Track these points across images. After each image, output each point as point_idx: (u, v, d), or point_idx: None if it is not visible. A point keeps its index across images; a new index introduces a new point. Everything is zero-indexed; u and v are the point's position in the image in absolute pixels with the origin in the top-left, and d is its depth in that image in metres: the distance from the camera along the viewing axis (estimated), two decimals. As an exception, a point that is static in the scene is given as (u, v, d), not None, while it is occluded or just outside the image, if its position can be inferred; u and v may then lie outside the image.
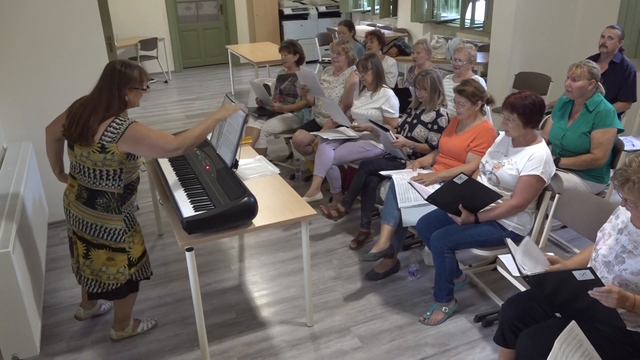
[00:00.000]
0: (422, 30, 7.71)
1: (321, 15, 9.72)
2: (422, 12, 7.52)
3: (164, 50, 8.90)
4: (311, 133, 4.13)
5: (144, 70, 2.38)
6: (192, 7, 9.42)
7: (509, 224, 2.67)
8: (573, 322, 1.80)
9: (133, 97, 2.34)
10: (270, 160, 3.34)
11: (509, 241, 2.19)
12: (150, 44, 8.30)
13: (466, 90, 2.99)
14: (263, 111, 4.63)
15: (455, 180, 2.54)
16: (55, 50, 3.60)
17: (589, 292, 1.76)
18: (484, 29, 6.59)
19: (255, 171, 2.99)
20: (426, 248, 3.24)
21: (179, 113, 6.98)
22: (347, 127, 3.93)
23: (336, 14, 9.79)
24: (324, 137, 3.83)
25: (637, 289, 1.85)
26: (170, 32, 9.12)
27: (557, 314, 2.05)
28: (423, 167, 3.36)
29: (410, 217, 3.00)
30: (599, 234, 2.07)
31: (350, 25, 5.54)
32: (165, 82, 8.73)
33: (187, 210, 2.31)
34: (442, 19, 7.48)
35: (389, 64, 4.96)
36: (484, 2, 6.51)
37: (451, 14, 7.54)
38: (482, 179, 2.79)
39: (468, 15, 6.89)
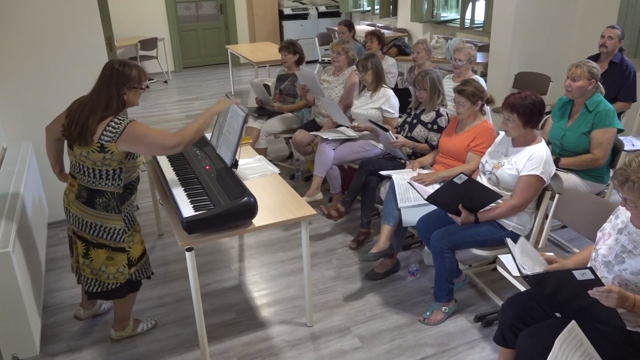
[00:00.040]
0: (422, 30, 7.71)
1: (321, 15, 9.72)
2: (422, 12, 7.52)
3: (163, 50, 8.90)
4: (311, 133, 4.13)
5: (142, 69, 2.38)
6: (192, 7, 9.42)
7: (509, 223, 2.67)
8: (573, 322, 1.80)
9: (132, 96, 2.34)
10: (270, 160, 3.34)
11: (509, 241, 2.19)
12: (150, 44, 8.30)
13: (466, 90, 2.99)
14: (263, 111, 4.63)
15: (455, 180, 2.54)
16: (55, 50, 3.60)
17: (589, 291, 1.76)
18: (483, 29, 6.59)
19: (255, 171, 2.99)
20: (426, 248, 3.24)
21: (178, 113, 6.98)
22: (347, 127, 3.93)
23: (336, 14, 9.79)
24: (324, 137, 3.83)
25: (637, 288, 1.85)
26: (170, 32, 9.12)
27: (557, 314, 2.05)
28: (423, 167, 3.36)
29: (410, 217, 3.00)
30: (599, 234, 2.07)
31: (350, 25, 5.54)
32: (165, 82, 8.73)
33: (187, 210, 2.31)
34: (442, 19, 7.48)
35: (389, 64, 4.96)
36: (484, 2, 6.51)
37: (451, 14, 7.54)
38: (482, 179, 2.79)
39: (468, 15, 6.89)
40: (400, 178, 3.15)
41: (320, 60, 7.16)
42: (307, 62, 5.47)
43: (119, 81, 2.28)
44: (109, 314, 2.91)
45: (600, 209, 2.42)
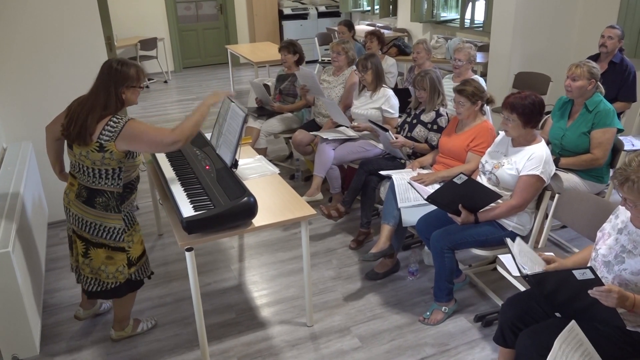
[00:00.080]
0: (422, 30, 7.71)
1: (321, 15, 9.72)
2: (421, 12, 7.53)
3: (163, 50, 8.90)
4: (311, 133, 4.13)
5: (140, 68, 2.37)
6: (192, 7, 9.42)
7: (509, 223, 2.67)
8: (573, 321, 1.80)
9: (130, 95, 2.33)
10: (270, 160, 3.34)
11: (508, 241, 2.19)
12: (150, 43, 8.30)
13: (466, 90, 2.99)
14: (263, 111, 4.63)
15: (455, 180, 2.54)
16: (55, 50, 3.60)
17: (589, 291, 1.76)
18: (483, 28, 6.59)
19: (255, 171, 2.99)
20: (426, 248, 3.24)
21: (178, 113, 6.97)
22: (347, 127, 3.93)
23: (336, 14, 9.79)
24: (324, 137, 3.83)
25: (636, 288, 1.85)
26: (170, 32, 9.12)
27: (557, 314, 2.05)
28: (423, 167, 3.36)
29: (410, 217, 3.00)
30: (599, 234, 2.07)
31: (349, 25, 5.54)
32: (165, 82, 8.73)
33: (187, 210, 2.31)
34: (441, 18, 7.48)
35: (389, 63, 4.96)
36: (484, 2, 6.51)
37: (451, 14, 7.54)
38: (482, 179, 2.79)
39: (468, 15, 6.89)
40: (400, 178, 3.15)
41: (320, 60, 7.16)
42: (307, 62, 5.47)
43: (118, 80, 2.28)
44: (109, 313, 2.91)
45: (600, 208, 2.43)
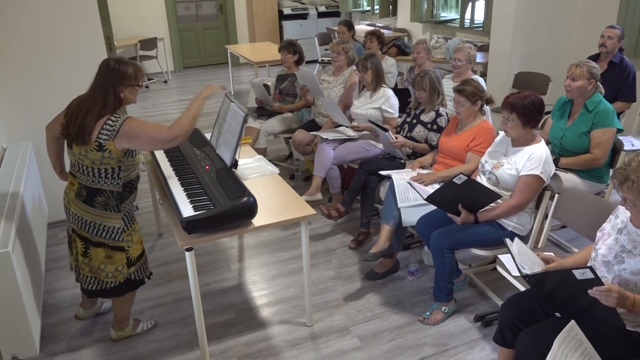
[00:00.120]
0: (422, 30, 7.71)
1: (321, 15, 9.72)
2: (421, 12, 7.53)
3: (163, 50, 8.90)
4: (311, 133, 4.13)
5: (138, 67, 2.37)
6: (192, 7, 9.42)
7: (509, 223, 2.67)
8: (572, 321, 1.80)
9: (129, 94, 2.33)
10: (270, 160, 3.34)
11: (508, 241, 2.19)
12: (149, 43, 8.30)
13: (466, 89, 2.99)
14: (262, 111, 4.63)
15: (454, 180, 2.54)
16: (55, 50, 3.60)
17: (589, 291, 1.76)
18: (483, 28, 6.59)
19: (255, 171, 2.99)
20: (426, 248, 3.24)
21: (178, 113, 6.91)
22: (347, 127, 3.93)
23: (336, 14, 9.79)
24: (324, 137, 3.83)
25: (636, 288, 1.85)
26: (170, 32, 9.12)
27: (557, 314, 2.06)
28: (422, 167, 3.36)
29: (410, 217, 3.00)
30: (599, 234, 2.07)
31: (349, 25, 5.54)
32: (165, 82, 8.73)
33: (187, 210, 2.31)
34: (441, 18, 7.49)
35: (389, 63, 4.96)
36: (484, 2, 6.52)
37: (451, 14, 7.54)
38: (482, 179, 2.79)
39: (467, 15, 6.90)
40: (400, 178, 3.15)
41: (320, 60, 7.16)
42: (307, 62, 5.47)
43: (115, 79, 2.28)
44: (110, 313, 2.91)
45: (600, 208, 2.43)
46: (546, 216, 2.74)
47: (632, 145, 3.47)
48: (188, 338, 2.75)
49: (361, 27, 8.06)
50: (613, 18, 4.86)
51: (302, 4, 9.86)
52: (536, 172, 2.55)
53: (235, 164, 2.71)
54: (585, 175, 3.11)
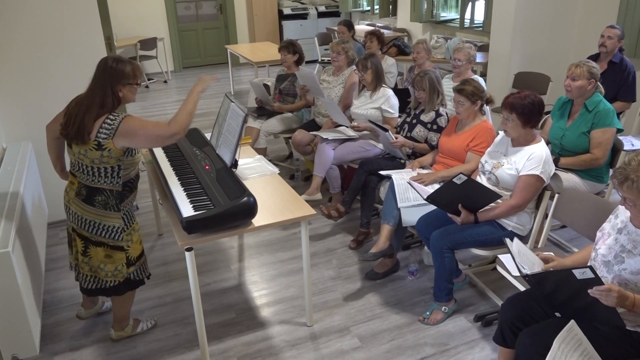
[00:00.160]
0: (422, 30, 7.71)
1: (320, 15, 9.72)
2: (421, 11, 7.53)
3: (163, 50, 8.90)
4: (311, 133, 4.13)
5: (137, 65, 2.37)
6: (192, 7, 9.42)
7: (509, 223, 2.67)
8: (572, 321, 1.80)
9: (127, 92, 2.33)
10: (270, 160, 3.34)
11: (507, 241, 2.19)
12: (149, 43, 8.30)
13: (466, 89, 2.99)
14: (262, 111, 4.63)
15: (454, 180, 2.54)
16: (55, 50, 3.60)
17: (589, 290, 1.76)
18: (483, 28, 6.59)
19: (255, 171, 2.99)
20: (426, 248, 3.24)
21: (178, 113, 6.96)
22: (347, 127, 3.93)
23: (336, 14, 9.79)
24: (324, 136, 3.83)
25: (636, 288, 1.85)
26: (170, 32, 9.12)
27: (557, 314, 2.06)
28: (422, 167, 3.36)
29: (410, 217, 3.00)
30: (599, 234, 2.07)
31: (349, 25, 5.54)
32: (165, 82, 8.73)
33: (187, 210, 2.31)
34: (441, 18, 7.49)
35: (389, 63, 4.96)
36: (484, 1, 6.52)
37: (450, 14, 7.54)
38: (482, 179, 2.79)
39: (467, 15, 6.90)
40: (400, 178, 3.15)
41: (319, 60, 7.16)
42: (307, 62, 5.47)
43: (113, 78, 2.27)
44: (110, 313, 2.91)
45: (600, 208, 2.43)
46: (546, 216, 2.74)
47: (632, 145, 3.47)
48: (188, 338, 2.75)
49: (361, 27, 8.06)
50: (613, 18, 4.86)
51: (302, 4, 9.86)
52: (536, 172, 2.55)
53: (235, 164, 2.71)
54: (585, 175, 3.12)
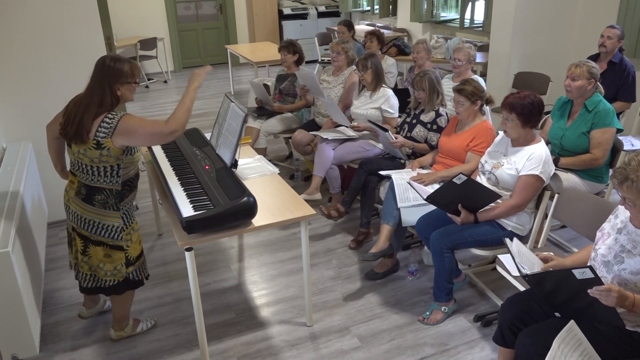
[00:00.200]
0: (422, 30, 7.72)
1: (320, 15, 9.72)
2: (421, 11, 7.53)
3: (163, 50, 8.90)
4: (310, 133, 4.13)
5: (135, 64, 2.37)
6: (192, 7, 9.42)
7: (509, 223, 2.67)
8: (572, 321, 1.80)
9: (125, 91, 2.32)
10: (270, 160, 3.34)
11: (507, 241, 2.19)
12: (149, 43, 8.30)
13: (465, 89, 2.99)
14: (262, 111, 4.63)
15: (454, 180, 2.54)
16: (55, 50, 3.60)
17: (589, 290, 1.76)
18: (483, 28, 6.59)
19: (255, 171, 2.99)
20: (425, 248, 3.24)
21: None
22: (347, 127, 3.93)
23: (335, 14, 9.79)
24: (324, 136, 3.83)
25: (636, 288, 1.85)
26: (170, 31, 9.12)
27: (557, 314, 2.06)
28: (422, 167, 3.36)
29: (410, 217, 3.00)
30: (598, 234, 2.07)
31: (349, 25, 5.54)
32: (165, 82, 8.73)
33: (187, 210, 2.31)
34: (441, 18, 7.49)
35: (389, 63, 4.96)
36: (484, 1, 6.52)
37: (450, 14, 7.54)
38: (482, 179, 2.79)
39: (467, 15, 6.90)
40: (400, 178, 3.15)
41: (319, 60, 7.16)
42: (307, 62, 5.47)
43: (112, 77, 2.27)
44: (110, 313, 2.91)
45: (600, 208, 2.43)
46: (546, 216, 2.74)
47: (632, 145, 3.47)
48: (188, 338, 2.75)
49: (361, 27, 8.06)
50: (613, 18, 4.86)
51: (302, 4, 9.86)
52: (536, 172, 2.55)
53: (235, 164, 2.71)
54: (585, 175, 3.12)
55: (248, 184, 2.68)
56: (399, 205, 3.01)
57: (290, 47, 4.57)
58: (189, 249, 2.28)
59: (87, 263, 2.44)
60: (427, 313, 2.84)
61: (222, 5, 9.52)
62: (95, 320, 2.89)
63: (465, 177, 2.52)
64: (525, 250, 2.22)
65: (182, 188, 2.55)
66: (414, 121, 3.51)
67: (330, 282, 3.20)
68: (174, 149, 3.07)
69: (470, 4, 6.84)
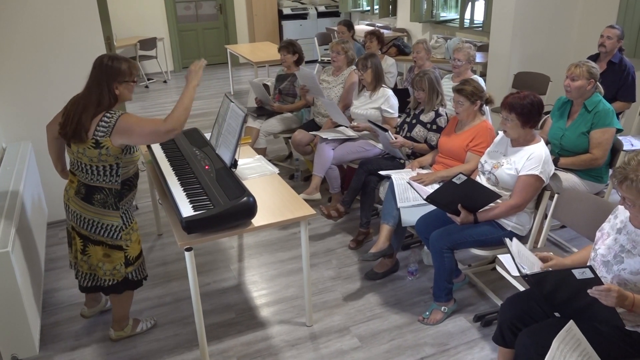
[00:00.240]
0: (422, 30, 7.72)
1: (320, 15, 9.72)
2: (421, 11, 7.53)
3: (163, 50, 8.89)
4: (310, 133, 4.13)
5: (133, 63, 2.37)
6: (192, 7, 9.42)
7: (508, 223, 2.67)
8: (571, 321, 1.80)
9: (124, 90, 2.32)
10: (270, 160, 3.34)
11: (507, 241, 2.19)
12: (149, 43, 8.30)
13: (465, 89, 3.00)
14: (262, 111, 4.63)
15: (454, 180, 2.54)
16: (55, 50, 3.60)
17: (588, 290, 1.76)
18: (483, 28, 6.60)
19: (255, 171, 2.99)
20: (425, 248, 3.24)
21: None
22: (346, 127, 3.93)
23: (335, 14, 9.79)
24: (323, 136, 3.83)
25: (636, 288, 1.85)
26: (170, 31, 9.11)
27: (556, 314, 2.06)
28: (422, 167, 3.36)
29: (410, 217, 3.00)
30: (598, 234, 2.07)
31: (349, 25, 5.54)
32: (165, 82, 8.73)
33: (187, 210, 2.31)
34: (441, 18, 7.49)
35: (388, 63, 4.96)
36: (483, 2, 6.52)
37: (450, 14, 7.54)
38: (481, 179, 2.79)
39: (467, 15, 6.90)
40: (400, 178, 3.15)
41: (319, 60, 7.16)
42: (307, 62, 5.47)
43: (110, 76, 2.27)
44: (110, 313, 2.91)
45: (600, 208, 2.43)
46: (546, 216, 2.74)
47: (632, 145, 3.47)
48: (188, 338, 2.75)
49: (361, 27, 8.06)
50: (613, 18, 4.86)
51: (302, 4, 9.86)
52: (535, 172, 2.55)
53: (234, 163, 2.71)
54: (584, 175, 3.12)
55: (248, 184, 2.68)
56: (399, 205, 3.02)
57: (290, 47, 4.57)
58: (188, 249, 2.28)
59: (87, 262, 2.44)
60: (427, 313, 2.84)
61: (222, 5, 9.52)
62: (95, 320, 2.89)
63: (465, 177, 2.52)
64: (525, 250, 2.22)
65: (182, 188, 2.55)
66: (414, 121, 3.51)
67: (330, 282, 3.20)
68: (174, 149, 3.07)
69: (470, 4, 6.84)
